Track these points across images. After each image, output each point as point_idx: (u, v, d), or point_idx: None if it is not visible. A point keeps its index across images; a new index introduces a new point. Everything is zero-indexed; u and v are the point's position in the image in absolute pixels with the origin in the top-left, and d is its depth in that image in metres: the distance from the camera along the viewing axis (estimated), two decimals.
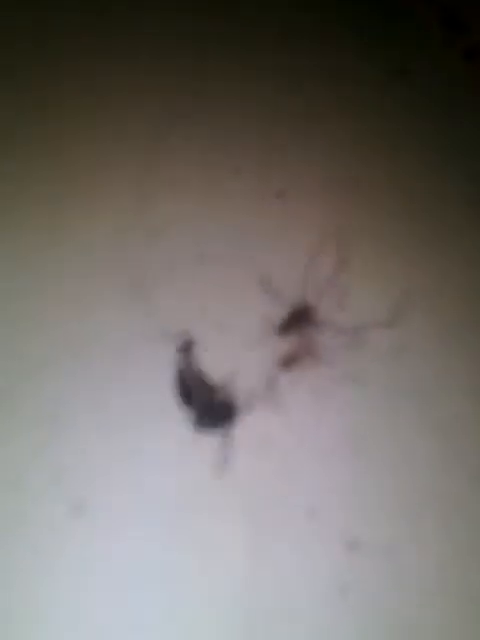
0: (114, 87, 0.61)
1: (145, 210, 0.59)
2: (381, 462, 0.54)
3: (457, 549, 0.53)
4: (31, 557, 0.51)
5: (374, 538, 0.52)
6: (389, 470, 0.54)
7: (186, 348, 0.56)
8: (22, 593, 0.50)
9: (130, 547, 0.51)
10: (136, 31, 0.62)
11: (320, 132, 0.60)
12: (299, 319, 0.56)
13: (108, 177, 0.59)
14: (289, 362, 0.55)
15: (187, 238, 0.58)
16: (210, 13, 0.62)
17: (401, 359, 0.56)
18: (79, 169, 0.59)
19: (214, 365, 0.56)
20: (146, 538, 0.51)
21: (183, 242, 0.58)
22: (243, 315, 0.56)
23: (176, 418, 0.54)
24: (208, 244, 0.58)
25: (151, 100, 0.61)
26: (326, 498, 0.53)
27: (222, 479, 0.53)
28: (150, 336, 0.55)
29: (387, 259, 0.58)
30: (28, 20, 0.61)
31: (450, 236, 0.59)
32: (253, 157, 0.60)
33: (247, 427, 0.54)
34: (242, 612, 0.51)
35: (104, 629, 0.50)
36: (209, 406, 0.54)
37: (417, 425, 0.55)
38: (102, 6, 0.62)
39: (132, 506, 0.52)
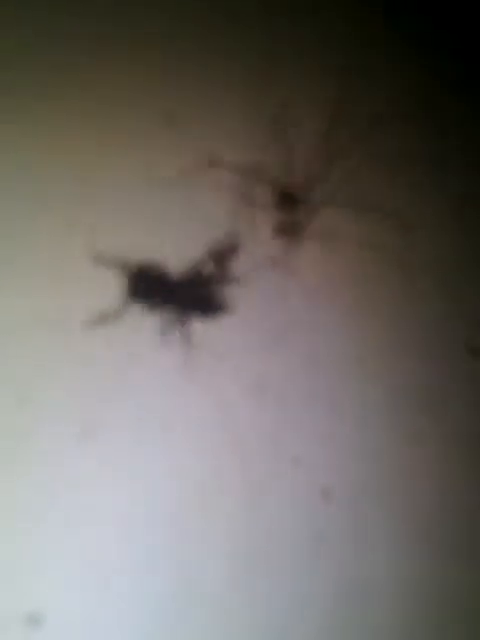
0: None
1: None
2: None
3: (424, 503, 0.54)
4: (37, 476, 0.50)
5: (347, 489, 0.53)
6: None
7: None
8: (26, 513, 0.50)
9: (134, 481, 0.51)
10: None
11: None
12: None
13: None
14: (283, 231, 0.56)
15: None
16: None
17: None
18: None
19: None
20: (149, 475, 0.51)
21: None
22: None
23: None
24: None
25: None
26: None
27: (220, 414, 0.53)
28: None
29: None
30: None
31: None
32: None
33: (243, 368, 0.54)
34: (233, 553, 0.51)
35: (102, 563, 0.50)
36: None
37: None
38: None
39: (137, 440, 0.52)
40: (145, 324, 0.53)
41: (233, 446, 0.52)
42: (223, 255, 0.55)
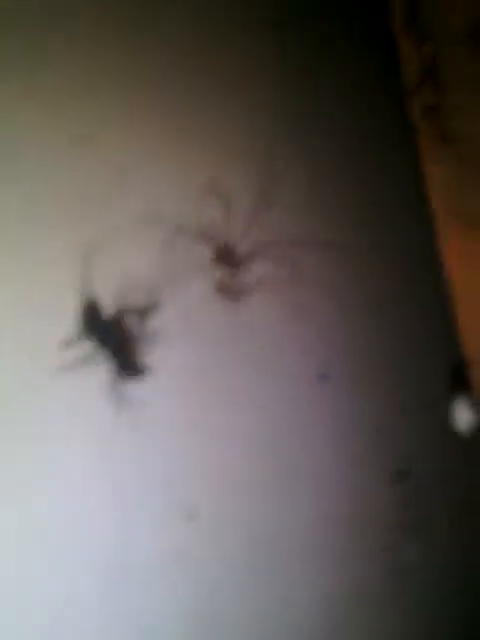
0: None
1: None
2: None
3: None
4: None
5: (212, 510, 0.59)
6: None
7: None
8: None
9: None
10: None
11: None
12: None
13: None
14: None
15: None
16: None
17: None
18: None
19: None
20: None
21: None
22: None
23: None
24: None
25: None
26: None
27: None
28: None
29: None
30: None
31: None
32: None
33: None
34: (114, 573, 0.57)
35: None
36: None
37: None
38: None
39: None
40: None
41: (107, 470, 0.57)
42: (144, 312, 0.56)
